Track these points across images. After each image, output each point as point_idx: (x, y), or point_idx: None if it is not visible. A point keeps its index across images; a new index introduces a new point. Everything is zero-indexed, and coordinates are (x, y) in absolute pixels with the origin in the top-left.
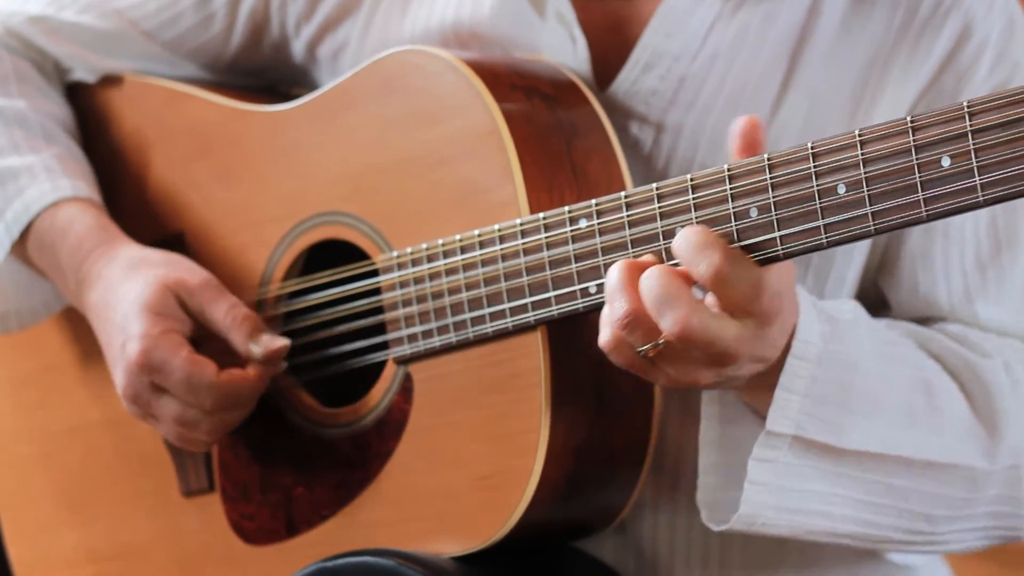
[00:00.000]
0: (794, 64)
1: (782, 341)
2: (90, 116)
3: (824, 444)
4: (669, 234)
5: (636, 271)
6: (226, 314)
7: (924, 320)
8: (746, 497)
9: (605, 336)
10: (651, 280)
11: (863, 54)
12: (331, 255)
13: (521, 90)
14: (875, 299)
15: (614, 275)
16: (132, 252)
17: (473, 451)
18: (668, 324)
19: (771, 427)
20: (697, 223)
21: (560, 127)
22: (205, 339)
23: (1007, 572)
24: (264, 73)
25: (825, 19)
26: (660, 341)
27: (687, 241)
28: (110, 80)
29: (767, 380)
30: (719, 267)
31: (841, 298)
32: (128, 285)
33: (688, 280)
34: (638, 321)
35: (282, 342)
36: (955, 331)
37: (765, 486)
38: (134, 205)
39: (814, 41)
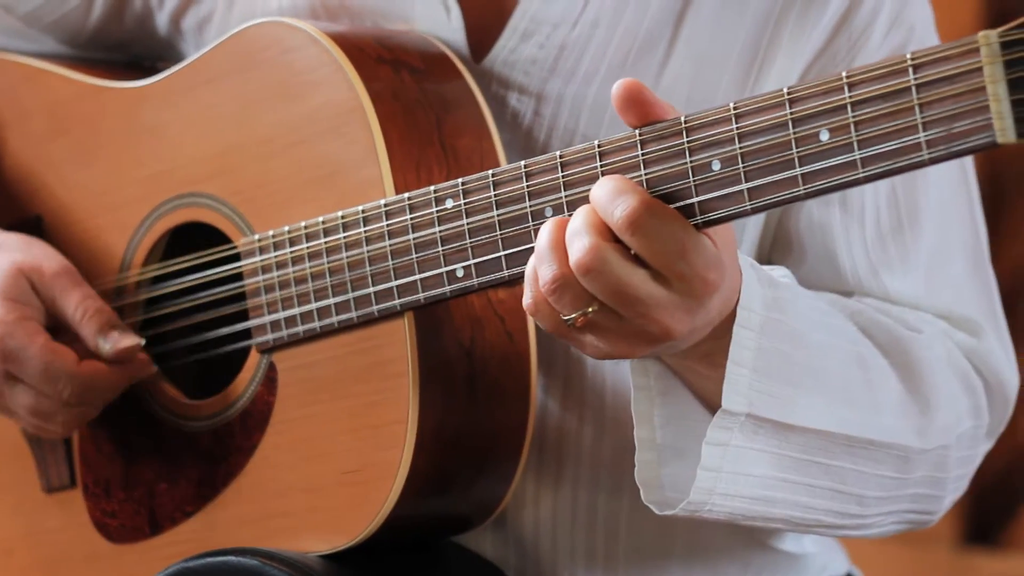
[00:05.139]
0: (678, 28)
1: (727, 297)
2: None
3: (774, 422)
4: (538, 214)
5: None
6: (77, 306)
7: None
8: (698, 485)
9: (528, 297)
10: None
11: (752, 16)
12: (197, 238)
13: (388, 64)
14: None
15: (545, 234)
16: None
17: (339, 444)
18: (575, 252)
19: (727, 406)
20: (567, 201)
21: (429, 102)
22: (62, 329)
23: (913, 553)
24: (128, 47)
25: None
26: (590, 309)
27: (604, 187)
28: None
29: (698, 348)
30: (635, 210)
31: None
32: None
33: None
34: (566, 286)
35: (133, 340)
36: (876, 305)
37: (717, 473)
38: None
39: (699, 3)
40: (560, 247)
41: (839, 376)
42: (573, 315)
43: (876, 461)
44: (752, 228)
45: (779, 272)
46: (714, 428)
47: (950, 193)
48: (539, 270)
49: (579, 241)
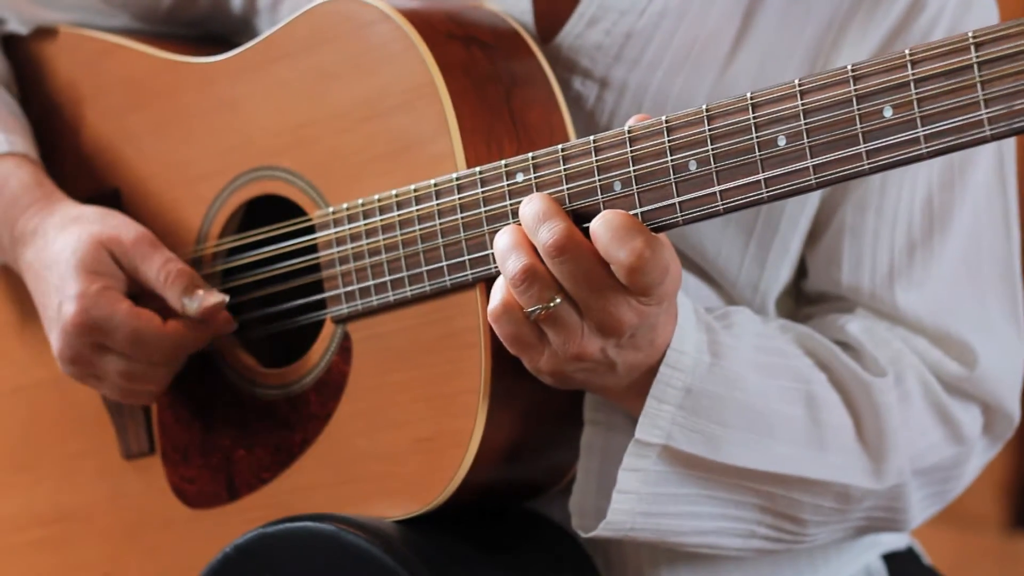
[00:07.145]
0: (747, 24)
1: (664, 333)
2: (24, 69)
3: (696, 456)
4: (607, 188)
5: (525, 234)
6: (160, 269)
7: (831, 299)
8: (614, 506)
9: (495, 301)
10: (530, 202)
11: (819, 17)
12: (272, 211)
13: (459, 39)
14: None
15: (504, 238)
16: (68, 209)
17: (413, 412)
18: (546, 236)
19: (640, 436)
20: (635, 175)
21: (499, 77)
22: (143, 294)
23: (962, 536)
24: (203, 24)
25: None
26: (552, 303)
27: (608, 225)
28: (44, 32)
29: (644, 386)
30: (641, 252)
31: (775, 276)
32: (62, 243)
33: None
34: (535, 275)
35: (218, 298)
36: (855, 335)
37: (634, 494)
38: (69, 160)
39: (768, 1)
40: (524, 243)
41: (779, 415)
42: (537, 307)
43: (812, 493)
44: (805, 220)
45: (737, 316)
46: (629, 455)
47: (986, 201)
48: (506, 265)
49: (547, 227)
